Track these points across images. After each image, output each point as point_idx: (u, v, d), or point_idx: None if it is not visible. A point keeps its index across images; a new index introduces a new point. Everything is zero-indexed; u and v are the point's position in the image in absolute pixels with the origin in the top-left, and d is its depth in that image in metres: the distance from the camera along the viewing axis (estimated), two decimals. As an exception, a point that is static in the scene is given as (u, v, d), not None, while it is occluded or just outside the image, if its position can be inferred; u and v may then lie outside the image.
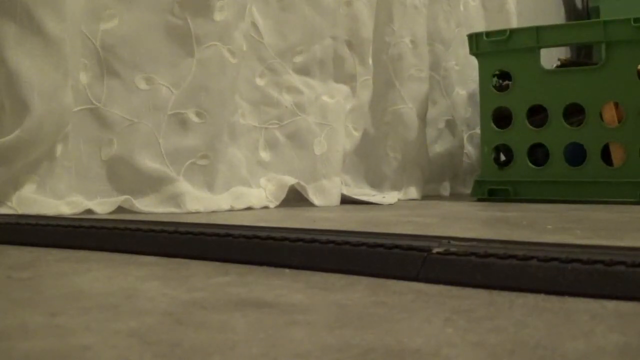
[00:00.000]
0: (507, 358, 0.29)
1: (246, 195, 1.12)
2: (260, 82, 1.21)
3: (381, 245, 0.51)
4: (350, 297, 0.42)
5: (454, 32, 1.62)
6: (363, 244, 0.52)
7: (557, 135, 1.32)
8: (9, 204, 0.89)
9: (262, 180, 1.19)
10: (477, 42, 1.39)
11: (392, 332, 0.33)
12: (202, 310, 0.38)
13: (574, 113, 1.32)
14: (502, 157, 1.47)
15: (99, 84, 1.01)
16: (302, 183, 1.20)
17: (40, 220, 0.70)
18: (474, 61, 1.46)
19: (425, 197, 1.48)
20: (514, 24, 1.77)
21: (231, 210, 1.07)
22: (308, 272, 0.51)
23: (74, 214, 0.91)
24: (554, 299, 0.41)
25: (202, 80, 1.06)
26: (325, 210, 1.13)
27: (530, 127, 1.34)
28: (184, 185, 1.03)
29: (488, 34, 1.39)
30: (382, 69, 1.43)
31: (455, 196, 1.56)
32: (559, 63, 1.45)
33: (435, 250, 0.49)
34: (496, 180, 1.38)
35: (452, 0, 1.62)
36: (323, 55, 1.28)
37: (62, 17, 0.91)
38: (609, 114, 1.29)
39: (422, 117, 1.47)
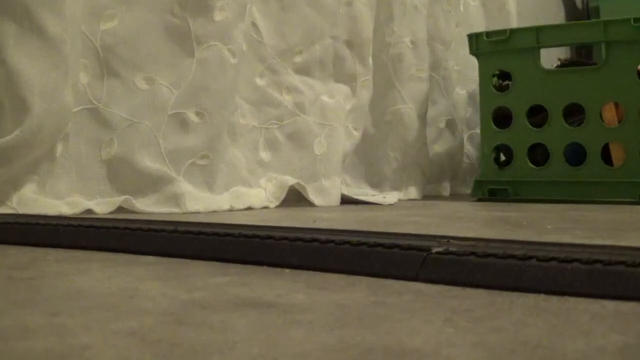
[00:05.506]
0: (507, 358, 0.29)
1: (246, 195, 1.12)
2: (260, 82, 1.21)
3: (381, 245, 0.51)
4: (350, 297, 0.42)
5: (454, 32, 1.62)
6: (363, 244, 0.52)
7: (557, 135, 1.32)
8: (9, 204, 0.89)
9: (262, 180, 1.19)
10: (477, 42, 1.39)
11: (392, 332, 0.33)
12: (202, 310, 0.38)
13: (574, 113, 1.32)
14: (502, 157, 1.47)
15: (99, 84, 1.01)
16: (302, 183, 1.20)
17: (40, 220, 0.70)
18: (474, 61, 1.46)
19: (425, 197, 1.48)
20: (514, 24, 1.77)
21: (231, 210, 1.07)
22: (308, 272, 0.51)
23: (74, 214, 0.91)
24: (554, 299, 0.41)
25: (202, 80, 1.06)
26: (325, 210, 1.13)
27: (530, 127, 1.34)
28: (184, 185, 1.03)
29: (488, 34, 1.39)
30: (382, 69, 1.43)
31: (455, 196, 1.56)
32: (559, 63, 1.45)
33: (434, 250, 0.49)
34: (496, 180, 1.38)
35: (452, 0, 1.62)
36: (323, 55, 1.28)
37: (62, 17, 0.91)
38: (609, 114, 1.29)
39: (422, 117, 1.47)
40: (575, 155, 1.31)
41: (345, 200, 1.27)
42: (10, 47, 0.88)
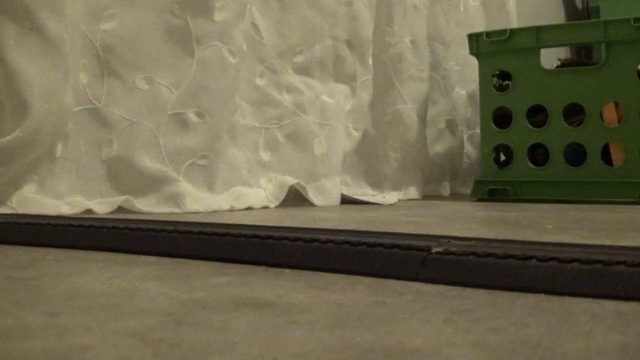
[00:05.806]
0: (507, 358, 0.29)
1: (246, 195, 1.12)
2: (260, 82, 1.21)
3: (381, 245, 0.51)
4: (350, 297, 0.42)
5: (454, 32, 1.62)
6: (363, 244, 0.52)
7: (557, 135, 1.32)
8: (9, 204, 0.89)
9: (262, 181, 1.19)
10: (477, 42, 1.39)
11: (392, 332, 0.33)
12: (202, 310, 0.38)
13: (574, 113, 1.32)
14: (502, 157, 1.47)
15: (99, 84, 1.01)
16: (302, 183, 1.20)
17: (40, 220, 0.70)
18: (474, 61, 1.46)
19: (425, 197, 1.48)
20: (514, 24, 1.76)
21: (231, 210, 1.07)
22: (308, 272, 0.51)
23: (74, 214, 0.91)
24: (554, 299, 0.41)
25: (202, 80, 1.06)
26: (325, 210, 1.13)
27: (530, 127, 1.34)
28: (184, 185, 1.03)
29: (488, 34, 1.39)
30: (382, 69, 1.42)
31: (455, 196, 1.56)
32: (559, 63, 1.45)
33: (434, 250, 0.49)
34: (496, 180, 1.38)
35: (452, 0, 1.62)
36: (323, 55, 1.28)
37: (62, 17, 0.91)
38: (609, 114, 1.29)
39: (422, 117, 1.47)
40: (575, 155, 1.31)
41: (345, 200, 1.27)
42: (10, 47, 0.88)
